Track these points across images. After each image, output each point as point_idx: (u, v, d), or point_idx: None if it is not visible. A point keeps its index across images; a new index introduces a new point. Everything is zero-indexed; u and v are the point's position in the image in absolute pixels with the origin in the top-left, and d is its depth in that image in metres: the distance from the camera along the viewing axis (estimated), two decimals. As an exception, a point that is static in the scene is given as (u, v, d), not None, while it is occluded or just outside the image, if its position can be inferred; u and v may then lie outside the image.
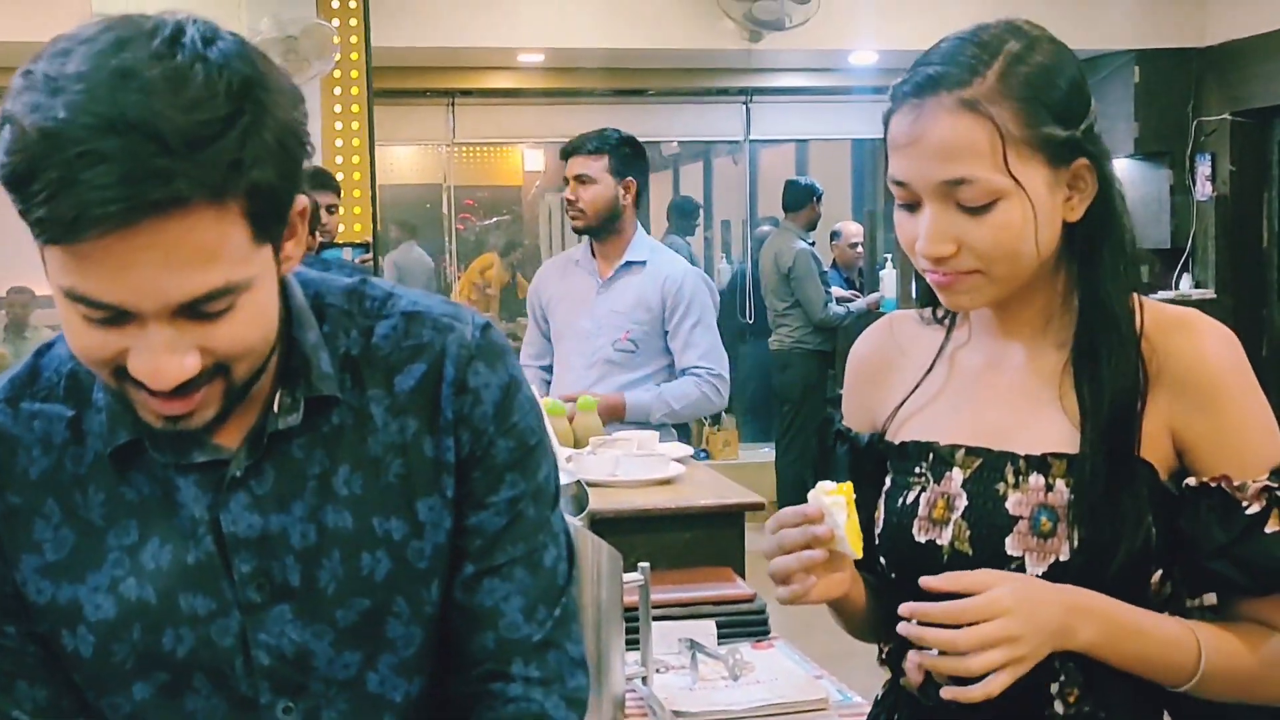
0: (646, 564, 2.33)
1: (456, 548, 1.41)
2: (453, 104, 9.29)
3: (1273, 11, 7.73)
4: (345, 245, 6.21)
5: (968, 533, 1.56)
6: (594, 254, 4.41)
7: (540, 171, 11.86)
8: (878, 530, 1.66)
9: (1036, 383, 1.59)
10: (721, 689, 2.38)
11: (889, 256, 9.00)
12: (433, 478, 1.39)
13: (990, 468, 1.56)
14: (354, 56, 6.44)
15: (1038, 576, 1.51)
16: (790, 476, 8.29)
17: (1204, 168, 8.33)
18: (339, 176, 6.11)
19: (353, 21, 6.42)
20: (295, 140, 1.22)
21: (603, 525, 2.65)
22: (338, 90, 6.43)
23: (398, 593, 1.38)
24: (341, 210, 6.07)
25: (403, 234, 10.53)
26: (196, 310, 1.19)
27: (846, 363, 1.81)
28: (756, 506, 3.42)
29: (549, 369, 4.43)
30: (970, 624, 1.45)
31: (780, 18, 7.75)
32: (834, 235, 9.49)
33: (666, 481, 3.57)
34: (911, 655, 1.62)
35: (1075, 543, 1.50)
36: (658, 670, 2.42)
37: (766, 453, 9.31)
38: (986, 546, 1.54)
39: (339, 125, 6.43)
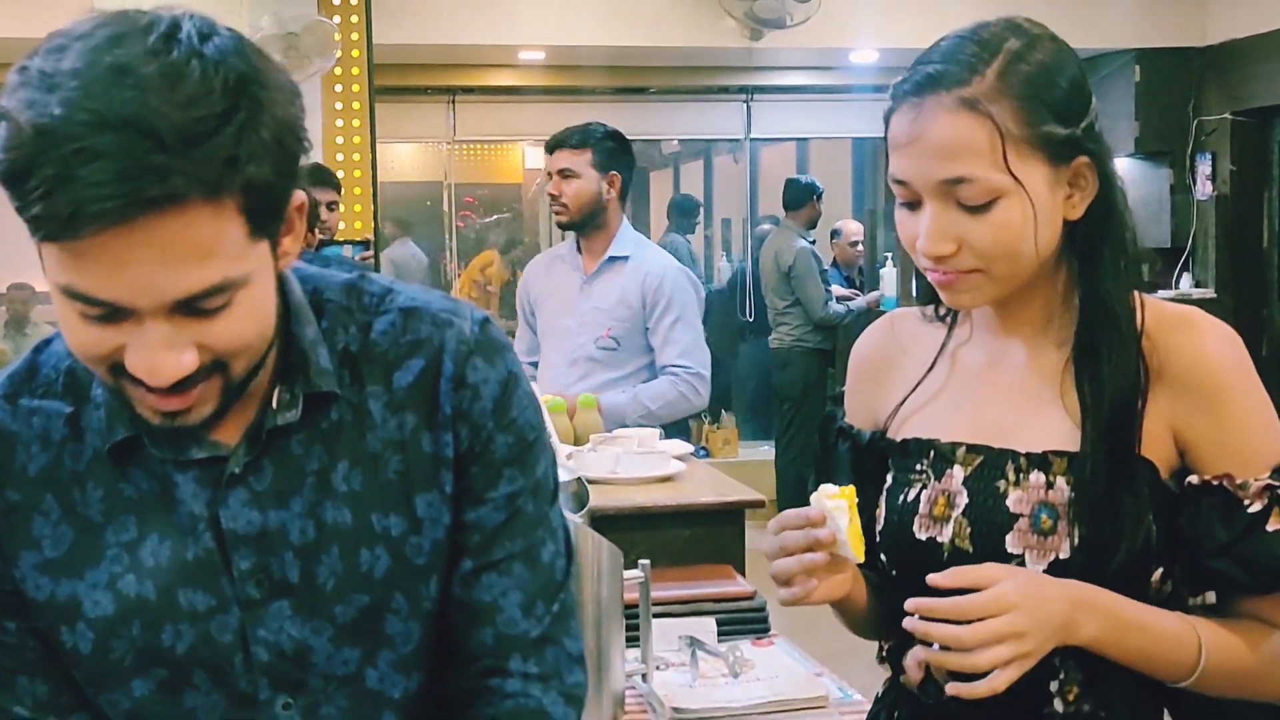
0: (647, 561, 2.33)
1: (455, 543, 1.41)
2: (453, 101, 9.29)
3: (1273, 11, 7.73)
4: (345, 243, 6.21)
5: (968, 530, 1.56)
6: (579, 249, 4.38)
7: (541, 169, 11.84)
8: (879, 527, 1.66)
9: (1037, 381, 1.59)
10: (722, 686, 2.38)
11: (889, 255, 9.00)
12: (431, 473, 1.39)
13: (991, 465, 1.57)
14: (355, 54, 6.44)
15: None
16: (790, 475, 8.29)
17: (1204, 167, 8.33)
18: (339, 174, 6.11)
19: (354, 19, 6.42)
20: (292, 136, 1.22)
21: (603, 522, 2.65)
22: (339, 87, 6.43)
23: (396, 589, 1.38)
24: (342, 207, 6.07)
25: (397, 231, 10.52)
26: (193, 307, 1.19)
27: (849, 361, 1.81)
28: (757, 504, 3.42)
29: (538, 365, 4.40)
30: (976, 619, 1.45)
31: (781, 16, 7.75)
32: (834, 234, 9.49)
33: (667, 479, 3.57)
34: (913, 652, 1.63)
35: (1075, 540, 1.50)
36: (658, 667, 2.42)
37: (766, 451, 9.30)
38: (987, 544, 1.54)
39: (340, 122, 6.44)
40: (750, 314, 9.78)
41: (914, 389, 1.69)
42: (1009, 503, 1.54)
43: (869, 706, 1.81)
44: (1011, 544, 1.53)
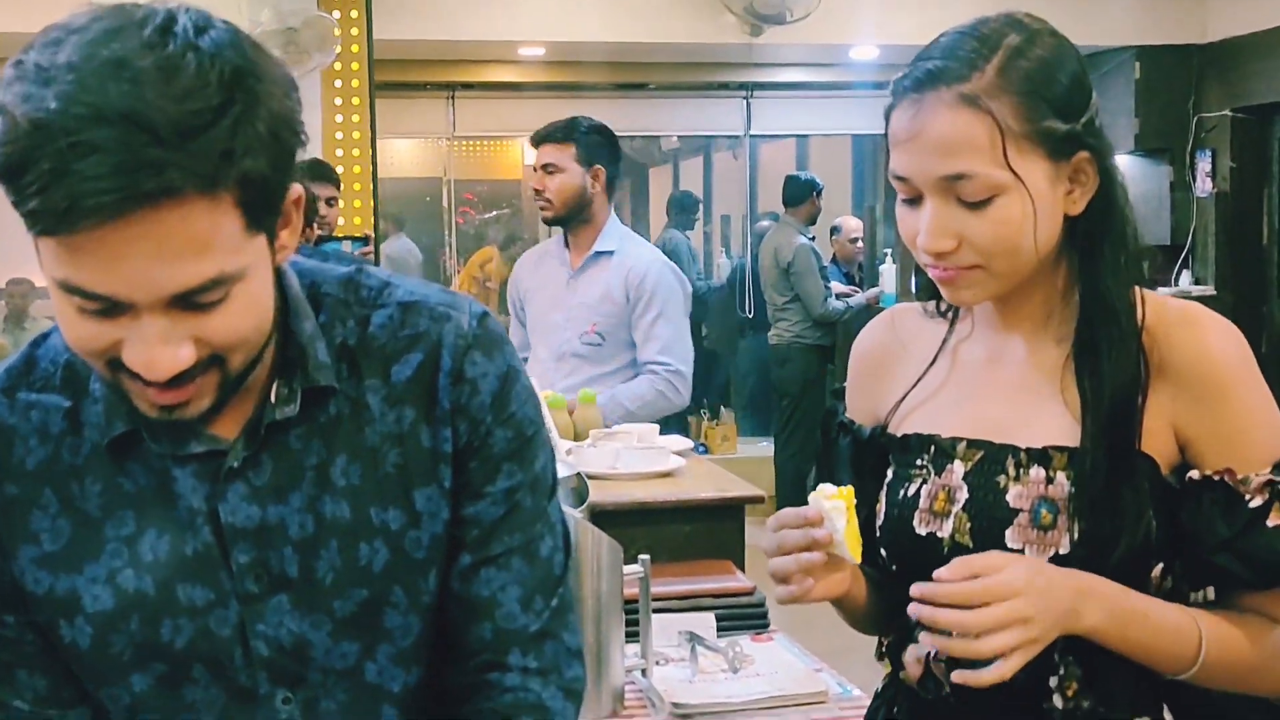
0: (646, 556, 2.33)
1: (453, 538, 1.41)
2: (453, 97, 9.28)
3: (1273, 8, 7.72)
4: (345, 239, 6.19)
5: (968, 525, 1.56)
6: (567, 244, 4.35)
7: (541, 166, 11.83)
8: (879, 523, 1.67)
9: (1038, 376, 1.59)
10: (721, 681, 2.38)
11: (889, 252, 9.00)
12: (430, 468, 1.39)
13: (991, 460, 1.57)
14: (354, 49, 6.44)
15: None
16: (789, 471, 8.30)
17: (1204, 164, 8.32)
18: (339, 169, 6.10)
19: (354, 14, 6.42)
20: (288, 129, 1.22)
21: (603, 518, 2.65)
22: (338, 83, 6.42)
23: (395, 583, 1.38)
24: (341, 203, 6.06)
25: (392, 226, 10.51)
26: (190, 301, 1.19)
27: (850, 356, 1.81)
28: (756, 499, 3.42)
29: (527, 360, 4.37)
30: (980, 605, 1.44)
31: (781, 12, 7.75)
32: (834, 230, 9.50)
33: (666, 474, 3.57)
34: (912, 649, 1.63)
35: (1075, 535, 1.50)
36: (657, 662, 2.42)
37: (765, 447, 9.30)
38: (987, 539, 1.54)
39: (339, 118, 6.43)
40: (750, 310, 9.79)
41: (915, 384, 1.69)
42: (1009, 498, 1.54)
43: (868, 702, 1.81)
44: (1011, 539, 1.53)
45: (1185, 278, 8.37)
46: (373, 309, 1.41)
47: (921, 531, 1.60)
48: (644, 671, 2.37)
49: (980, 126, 1.47)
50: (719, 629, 2.58)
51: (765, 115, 9.76)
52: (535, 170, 4.28)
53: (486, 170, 12.09)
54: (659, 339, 4.17)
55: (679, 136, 11.89)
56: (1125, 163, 8.29)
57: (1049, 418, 1.56)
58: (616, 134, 4.37)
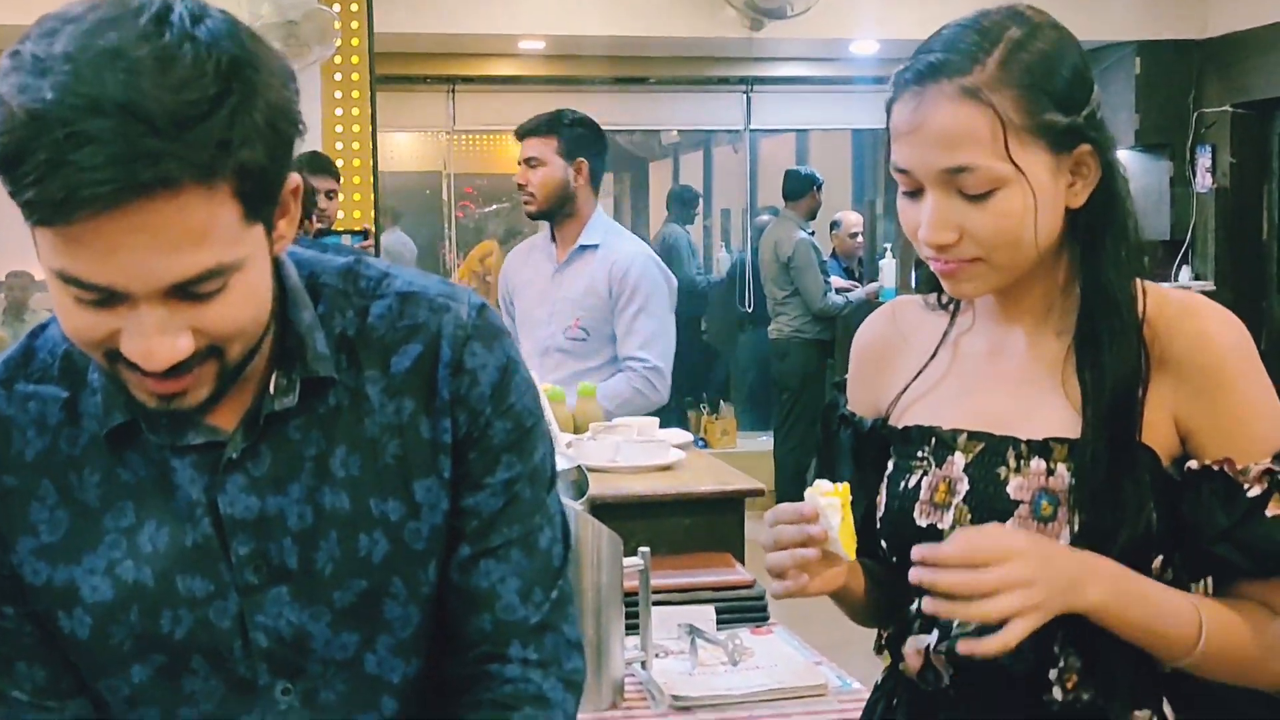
0: (646, 549, 2.34)
1: (452, 529, 1.41)
2: (453, 91, 9.27)
3: (1274, 4, 7.71)
4: (344, 232, 6.18)
5: (969, 517, 1.56)
6: (554, 239, 4.31)
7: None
8: (879, 514, 1.67)
9: (1039, 368, 1.59)
10: (721, 674, 2.38)
11: (888, 246, 8.99)
12: (429, 459, 1.39)
13: (992, 452, 1.57)
14: (355, 42, 6.42)
15: None
16: (789, 465, 8.30)
17: (1204, 159, 8.32)
18: (339, 163, 6.09)
19: (354, 7, 6.40)
20: (286, 119, 1.21)
21: (603, 511, 2.65)
22: (338, 76, 6.41)
23: (395, 574, 1.38)
24: (341, 196, 6.05)
25: (386, 219, 10.49)
26: (188, 291, 1.19)
27: (851, 349, 1.81)
28: (756, 493, 3.41)
29: None
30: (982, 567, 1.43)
31: (782, 6, 7.74)
32: (834, 225, 9.49)
33: (666, 468, 3.57)
34: (911, 640, 1.63)
35: (1076, 527, 1.50)
36: (657, 655, 2.42)
37: (765, 441, 9.30)
38: None
39: (339, 111, 6.41)
40: (749, 305, 9.78)
41: (916, 377, 1.69)
42: (1009, 489, 1.54)
43: (868, 695, 1.81)
44: (1012, 529, 1.53)
45: (1185, 273, 8.37)
46: (371, 299, 1.41)
47: (922, 523, 1.60)
48: (644, 664, 2.37)
49: (982, 119, 1.47)
50: (719, 622, 2.59)
51: (765, 110, 9.75)
52: (519, 164, 4.26)
53: (486, 164, 12.06)
54: (639, 334, 4.12)
55: (679, 131, 11.87)
56: (1125, 158, 8.20)
57: (1050, 410, 1.56)
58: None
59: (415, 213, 10.84)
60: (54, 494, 1.37)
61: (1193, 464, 1.51)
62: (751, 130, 9.92)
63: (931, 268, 1.57)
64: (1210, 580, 1.56)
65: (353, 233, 6.22)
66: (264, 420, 1.35)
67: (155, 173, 1.11)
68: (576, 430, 3.78)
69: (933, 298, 1.71)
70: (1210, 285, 8.15)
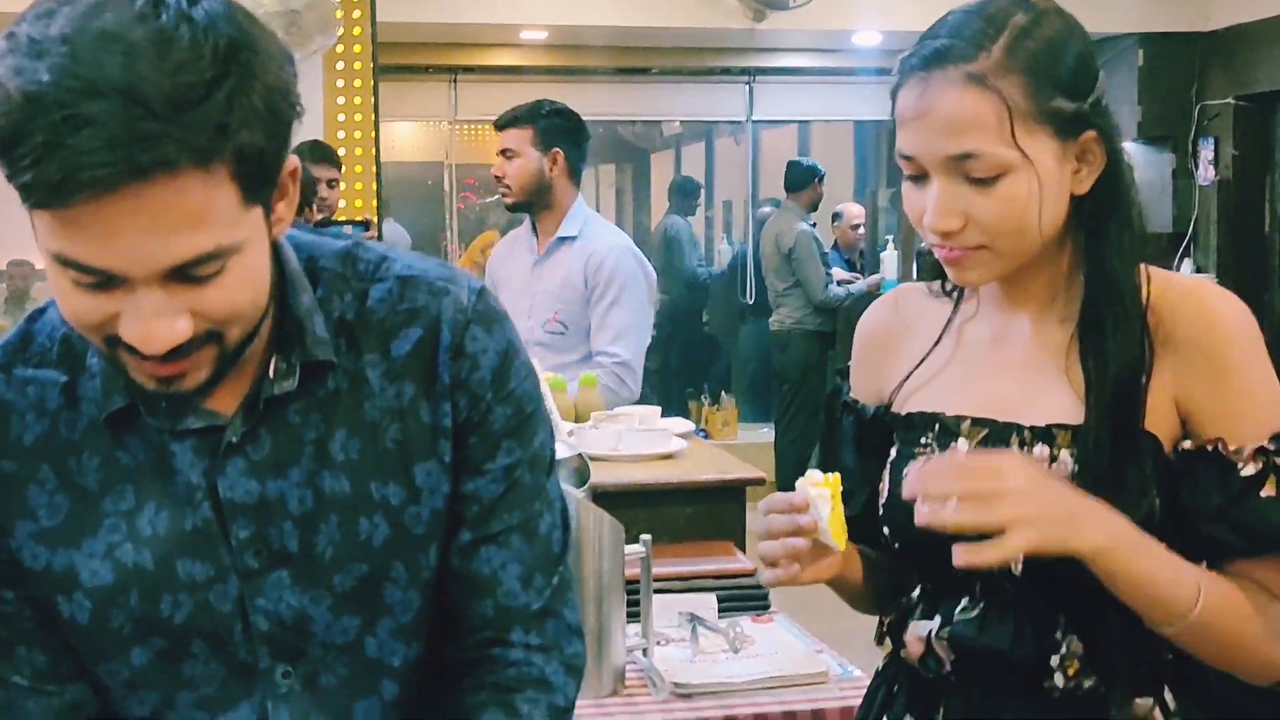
0: (648, 536, 2.34)
1: (453, 514, 1.41)
2: (455, 81, 9.26)
3: (1277, -4, 7.72)
4: (346, 222, 6.18)
5: (971, 503, 1.56)
6: (535, 231, 4.27)
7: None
8: (882, 501, 1.67)
9: (1042, 355, 1.59)
10: (722, 661, 2.38)
11: (890, 238, 9.00)
12: (430, 443, 1.38)
13: (996, 438, 1.56)
14: (357, 32, 6.42)
15: None
16: (790, 456, 8.30)
17: (1207, 152, 8.31)
18: (340, 152, 6.09)
19: (356, -4, 6.40)
20: (284, 101, 1.21)
21: (604, 499, 2.65)
22: (340, 65, 6.40)
23: (395, 558, 1.38)
24: (343, 185, 6.05)
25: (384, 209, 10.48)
26: (187, 274, 1.18)
27: (854, 336, 1.81)
28: (758, 481, 3.41)
29: None
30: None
31: (784, -4, 7.75)
32: (835, 216, 9.50)
33: (668, 456, 3.56)
34: (913, 626, 1.63)
35: None
36: (658, 643, 2.43)
37: (766, 433, 9.32)
38: None
39: (341, 100, 6.40)
40: (751, 296, 9.78)
41: (919, 364, 1.69)
42: None
43: (869, 683, 1.81)
44: None
45: (1187, 266, 8.36)
46: (371, 283, 1.40)
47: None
48: (645, 651, 2.37)
49: (988, 106, 1.47)
50: (720, 610, 2.59)
51: (768, 101, 9.75)
52: (496, 155, 4.22)
53: (488, 154, 12.01)
54: (612, 327, 4.06)
55: (681, 122, 11.87)
56: (1127, 150, 8.27)
57: (1053, 397, 1.56)
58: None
59: (417, 203, 10.84)
60: (53, 478, 1.36)
61: (1187, 444, 1.50)
62: (754, 121, 9.92)
63: (936, 255, 1.56)
64: (1205, 563, 1.55)
65: (354, 223, 6.21)
66: (263, 404, 1.35)
67: (153, 156, 1.11)
68: (578, 419, 3.77)
69: (936, 285, 1.71)
70: (1212, 278, 8.14)
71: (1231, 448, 1.48)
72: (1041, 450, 1.53)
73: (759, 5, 7.84)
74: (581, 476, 2.46)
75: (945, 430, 1.61)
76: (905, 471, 1.63)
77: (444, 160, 9.95)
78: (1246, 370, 1.50)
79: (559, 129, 4.17)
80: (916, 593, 1.67)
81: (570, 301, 4.10)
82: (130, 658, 1.37)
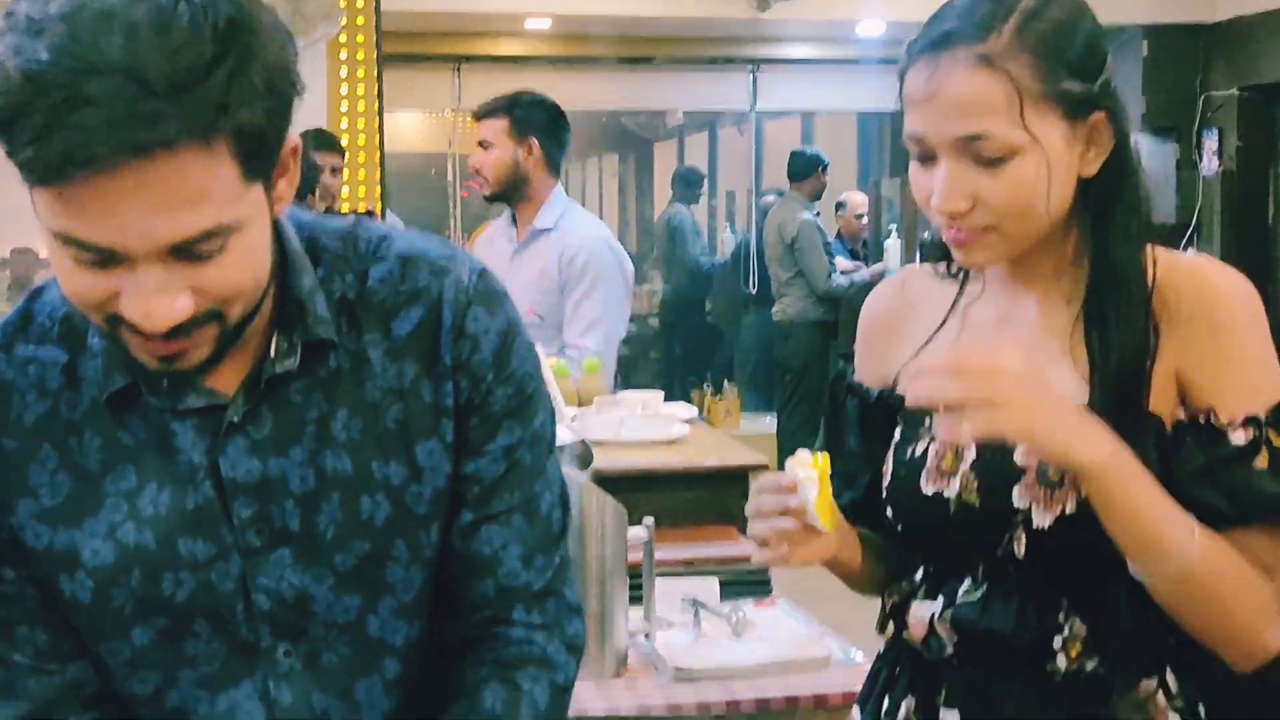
0: (651, 519, 2.34)
1: (454, 494, 1.41)
2: (458, 69, 9.25)
3: (1283, -12, 7.71)
4: (350, 213, 6.18)
5: (975, 484, 1.56)
6: (515, 222, 4.25)
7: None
8: (885, 483, 1.66)
9: (1047, 337, 1.58)
10: (724, 645, 2.39)
11: (894, 227, 9.00)
12: (431, 422, 1.38)
13: None
14: (360, 20, 6.39)
15: (1043, 529, 1.51)
16: (792, 447, 8.11)
17: (1211, 143, 8.31)
18: (343, 142, 6.07)
19: (359, -17, 6.37)
20: (284, 80, 1.21)
21: (607, 484, 2.64)
22: (344, 54, 6.38)
23: (397, 536, 1.38)
24: (346, 172, 6.04)
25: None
26: (188, 251, 1.18)
27: (859, 319, 1.81)
28: (761, 467, 3.41)
29: None
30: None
31: (788, -14, 7.74)
32: (839, 206, 9.50)
33: (671, 441, 3.56)
34: (915, 607, 1.63)
35: (1083, 494, 1.49)
36: (660, 627, 2.43)
37: (768, 423, 9.31)
38: (994, 497, 1.54)
39: (344, 89, 6.38)
40: (754, 286, 9.78)
41: (924, 345, 1.69)
42: (1017, 456, 1.53)
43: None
44: (1018, 496, 1.53)
45: (1190, 257, 8.36)
46: (371, 262, 1.40)
47: (928, 491, 1.60)
48: (647, 635, 2.37)
49: (997, 87, 1.47)
50: (722, 594, 2.59)
51: (771, 90, 9.75)
52: (476, 145, 4.19)
53: (492, 145, 12.04)
54: (583, 318, 4.03)
55: (684, 112, 11.87)
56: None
57: (1058, 378, 1.55)
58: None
59: (419, 193, 10.83)
60: (54, 458, 1.36)
61: (1180, 415, 1.50)
62: (757, 112, 9.91)
63: (944, 237, 1.56)
64: None
65: (357, 214, 6.20)
66: (265, 383, 1.35)
67: (154, 134, 1.11)
68: (581, 404, 3.77)
69: (942, 266, 1.71)
70: (1215, 268, 8.13)
71: (1223, 418, 1.48)
72: None
73: (764, -6, 7.85)
74: (584, 461, 2.46)
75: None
76: (910, 453, 1.63)
77: (447, 150, 9.94)
78: (1243, 343, 1.50)
79: (534, 119, 4.13)
80: (919, 575, 1.66)
81: (546, 293, 4.06)
82: (132, 637, 1.37)
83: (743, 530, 3.06)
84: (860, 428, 1.74)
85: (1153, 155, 8.43)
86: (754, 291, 9.79)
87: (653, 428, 3.56)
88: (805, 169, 8.61)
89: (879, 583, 1.72)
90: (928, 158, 1.53)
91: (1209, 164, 8.32)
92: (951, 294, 1.70)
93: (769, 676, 2.29)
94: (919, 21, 1.57)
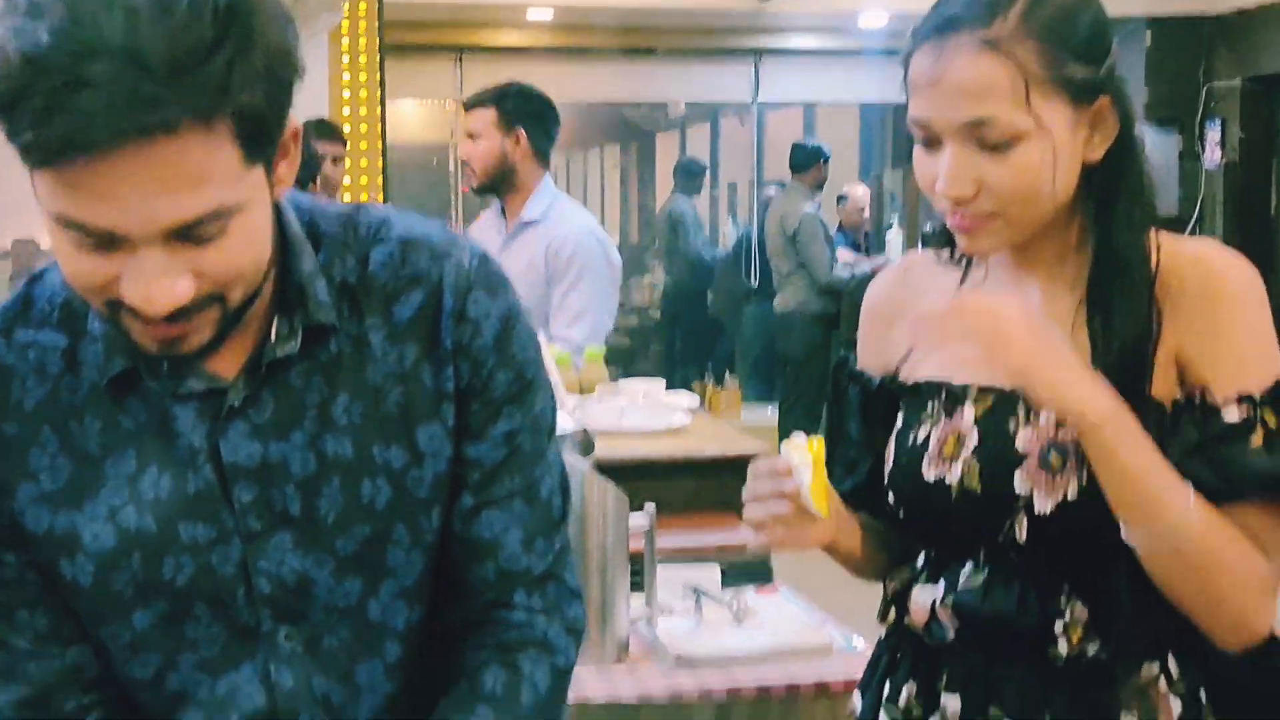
0: (652, 506, 2.34)
1: (455, 479, 1.40)
2: (460, 60, 9.25)
3: (1286, -21, 7.71)
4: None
5: (977, 469, 1.56)
6: (504, 213, 4.21)
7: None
8: (888, 469, 1.66)
9: (1050, 323, 1.58)
10: (725, 633, 2.39)
11: (896, 219, 9.00)
12: (433, 406, 1.38)
13: (1002, 405, 1.56)
14: (362, 9, 6.39)
15: (1045, 515, 1.51)
16: (794, 438, 8.27)
17: (1214, 134, 8.32)
18: (345, 131, 6.07)
19: (362, -27, 6.37)
20: (284, 62, 1.20)
21: (608, 473, 2.63)
22: (345, 44, 6.38)
23: (398, 520, 1.38)
24: (348, 162, 6.04)
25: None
26: (188, 234, 1.18)
27: (861, 306, 1.81)
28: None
29: None
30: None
31: (790, -23, 7.73)
32: (841, 198, 9.49)
33: (672, 430, 3.56)
34: (917, 592, 1.63)
35: (1084, 480, 1.49)
36: (662, 613, 2.43)
37: (769, 414, 9.32)
38: (995, 483, 1.54)
39: (346, 77, 6.38)
40: (755, 278, 9.78)
41: (926, 332, 1.69)
42: (1019, 442, 1.53)
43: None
44: (1020, 482, 1.53)
45: (1192, 248, 8.36)
46: (372, 246, 1.40)
47: (930, 477, 1.60)
48: (649, 622, 2.37)
49: (1003, 72, 1.46)
50: (723, 581, 2.59)
51: (773, 82, 9.74)
52: (465, 136, 4.16)
53: (493, 136, 12.04)
54: (568, 310, 3.99)
55: (686, 103, 11.86)
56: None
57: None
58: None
59: (421, 184, 10.83)
60: (54, 441, 1.36)
61: (1177, 396, 1.50)
62: (759, 104, 9.91)
63: (948, 223, 1.56)
64: None
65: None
66: (266, 367, 1.35)
67: (154, 117, 1.11)
68: (583, 392, 3.76)
69: (945, 253, 1.70)
70: (1218, 259, 8.13)
71: (1218, 395, 1.48)
72: (1049, 417, 1.52)
73: (765, -15, 7.84)
74: (586, 449, 2.46)
75: (952, 398, 1.61)
76: (912, 439, 1.63)
77: (449, 140, 9.94)
78: (1242, 323, 1.50)
79: (523, 110, 4.10)
80: (921, 561, 1.66)
81: (533, 285, 4.00)
82: (132, 620, 1.37)
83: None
84: (862, 415, 1.74)
85: (1155, 147, 8.41)
86: (755, 283, 9.79)
87: (654, 416, 3.56)
88: (807, 160, 8.60)
89: (880, 569, 1.72)
90: (932, 143, 1.52)
91: (1211, 155, 8.32)
92: (954, 281, 1.70)
93: (770, 663, 2.29)
94: (921, 12, 1.56)
